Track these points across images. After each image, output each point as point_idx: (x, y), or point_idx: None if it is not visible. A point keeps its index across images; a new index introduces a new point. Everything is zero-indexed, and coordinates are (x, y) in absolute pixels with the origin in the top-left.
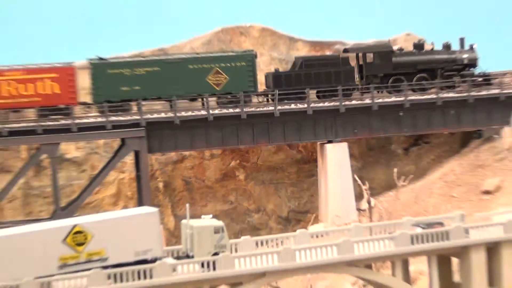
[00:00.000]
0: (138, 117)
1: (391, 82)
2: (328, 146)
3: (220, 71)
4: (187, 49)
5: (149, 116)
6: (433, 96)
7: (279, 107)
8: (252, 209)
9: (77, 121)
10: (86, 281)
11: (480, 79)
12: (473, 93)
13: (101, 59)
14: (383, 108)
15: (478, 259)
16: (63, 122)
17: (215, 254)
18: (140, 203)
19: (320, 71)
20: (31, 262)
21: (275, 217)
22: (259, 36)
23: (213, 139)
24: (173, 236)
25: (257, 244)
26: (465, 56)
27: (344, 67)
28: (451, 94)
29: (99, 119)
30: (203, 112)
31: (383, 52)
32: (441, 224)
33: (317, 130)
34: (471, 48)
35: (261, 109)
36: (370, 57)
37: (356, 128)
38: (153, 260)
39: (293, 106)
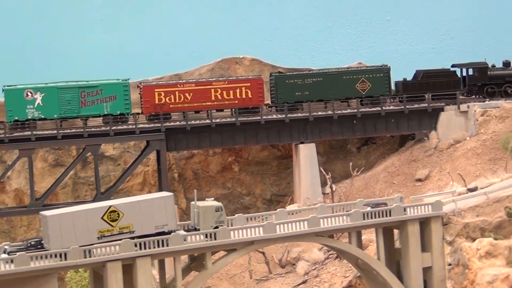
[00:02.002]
0: (159, 125)
1: (486, 90)
2: (301, 146)
3: (365, 80)
4: (196, 75)
5: (167, 124)
6: (378, 108)
7: (265, 117)
8: (244, 193)
9: (114, 127)
10: (118, 248)
11: None
12: (408, 106)
13: (280, 73)
14: (341, 117)
15: (413, 230)
16: (103, 128)
17: (216, 227)
18: (160, 189)
19: (436, 81)
20: (78, 234)
21: (261, 199)
22: (249, 65)
23: (215, 141)
24: (185, 213)
25: (247, 219)
26: None
27: (453, 78)
28: (391, 107)
29: (130, 126)
30: (208, 121)
31: (481, 67)
32: (385, 204)
33: (292, 134)
34: None
35: (250, 118)
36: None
37: (321, 132)
38: (169, 232)
39: (274, 116)
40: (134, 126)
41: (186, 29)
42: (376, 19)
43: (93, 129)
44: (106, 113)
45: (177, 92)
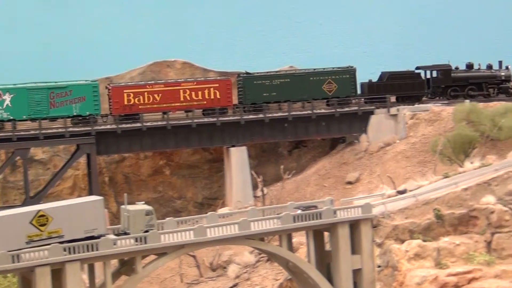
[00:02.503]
0: (89, 128)
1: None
2: (232, 149)
3: (332, 81)
4: (127, 78)
5: (97, 127)
6: (309, 111)
7: (196, 120)
8: (175, 196)
9: (43, 131)
10: (47, 253)
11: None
12: (338, 109)
13: (248, 73)
14: (272, 120)
15: (343, 233)
16: (32, 132)
17: (146, 231)
18: (90, 193)
19: (401, 82)
20: (6, 238)
21: (192, 203)
22: (180, 68)
23: (146, 144)
24: (115, 218)
25: (178, 223)
26: (502, 73)
27: (417, 80)
28: (322, 110)
29: (60, 130)
30: (138, 124)
31: (446, 70)
32: (315, 207)
33: (224, 137)
34: (507, 68)
35: (182, 122)
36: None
37: (252, 136)
38: (99, 236)
39: (205, 119)
40: (64, 130)
41: (117, 32)
42: (309, 22)
43: (22, 133)
44: (75, 114)
45: (146, 93)
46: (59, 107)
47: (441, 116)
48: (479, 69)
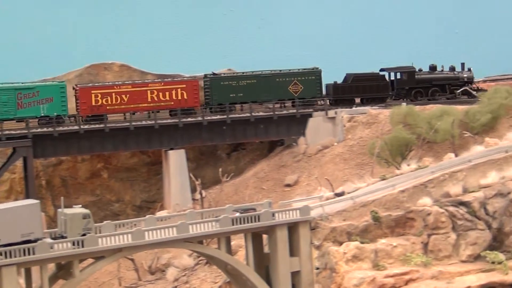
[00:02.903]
0: (26, 131)
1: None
2: (170, 152)
3: (297, 82)
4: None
5: (34, 130)
6: (248, 114)
7: (134, 123)
8: (114, 200)
9: None
10: None
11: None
12: (277, 112)
13: (215, 74)
14: (211, 123)
15: (282, 235)
16: None
17: (83, 235)
18: (27, 196)
19: (365, 84)
20: None
21: (131, 206)
22: (118, 70)
23: (83, 147)
24: (52, 221)
25: (116, 226)
26: (465, 75)
27: (382, 81)
28: (261, 113)
29: None
30: (76, 127)
31: (410, 71)
32: (254, 209)
33: (162, 140)
34: (469, 69)
35: (119, 124)
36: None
37: (191, 138)
38: (36, 240)
39: (144, 122)
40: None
41: (53, 34)
42: (247, 26)
43: None
44: (42, 114)
45: (113, 94)
46: (27, 108)
47: (379, 119)
48: (442, 71)
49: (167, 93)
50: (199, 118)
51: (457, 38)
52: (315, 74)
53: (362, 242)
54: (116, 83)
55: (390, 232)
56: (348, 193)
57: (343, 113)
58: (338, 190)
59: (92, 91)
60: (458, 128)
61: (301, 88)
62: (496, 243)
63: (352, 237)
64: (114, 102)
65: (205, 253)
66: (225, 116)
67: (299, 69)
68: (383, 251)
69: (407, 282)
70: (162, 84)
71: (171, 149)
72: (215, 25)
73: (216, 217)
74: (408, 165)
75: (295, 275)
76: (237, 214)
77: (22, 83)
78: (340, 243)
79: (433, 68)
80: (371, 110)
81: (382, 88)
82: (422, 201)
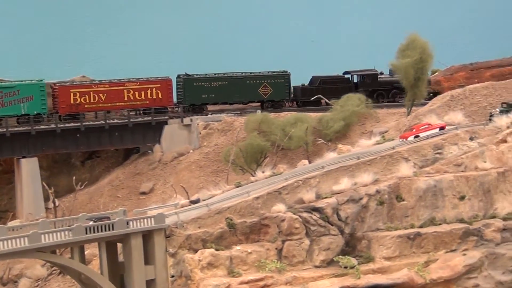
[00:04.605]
0: None
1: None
2: (22, 161)
3: (267, 85)
4: None
5: None
6: (102, 122)
7: None
8: None
9: None
10: None
11: None
12: (132, 120)
13: (188, 75)
14: (65, 130)
15: (136, 244)
16: None
17: None
18: None
19: (332, 86)
20: None
21: None
22: None
23: None
24: None
25: None
26: None
27: (347, 84)
28: (116, 120)
29: None
30: None
31: (373, 74)
32: (108, 218)
33: (14, 148)
34: None
35: None
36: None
37: (44, 146)
38: None
39: None
40: None
41: None
42: (99, 33)
43: None
44: (23, 113)
45: (91, 93)
46: (8, 106)
47: (234, 126)
48: None
49: (142, 92)
50: (52, 126)
51: None
52: (284, 77)
53: (217, 249)
54: (94, 82)
55: (245, 239)
56: (204, 200)
57: (198, 121)
58: (194, 198)
59: (71, 90)
60: (311, 135)
61: (270, 90)
62: (349, 248)
63: (207, 244)
64: (92, 100)
65: (58, 263)
66: (79, 124)
67: (268, 72)
68: (238, 257)
69: None
70: (138, 83)
71: (23, 157)
72: (69, 33)
73: (69, 226)
74: (263, 172)
75: (150, 283)
76: (91, 223)
77: (2, 81)
78: (195, 251)
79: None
80: (226, 117)
81: (347, 90)
82: (276, 207)
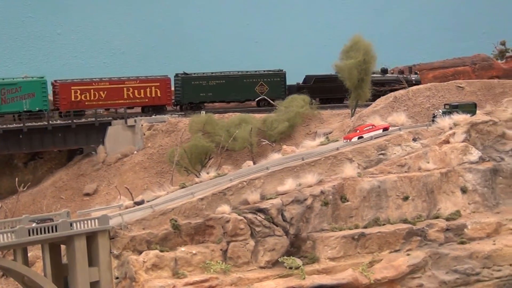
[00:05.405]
0: None
1: None
2: None
3: (264, 83)
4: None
5: None
6: (45, 122)
7: None
8: None
9: None
10: None
11: None
12: (75, 120)
13: (186, 74)
14: (7, 131)
15: (80, 245)
16: None
17: None
18: None
19: (326, 85)
20: None
21: None
22: None
23: None
24: None
25: None
26: (413, 78)
27: (341, 83)
28: (58, 121)
29: None
30: None
31: None
32: (51, 219)
33: None
34: (416, 73)
35: None
36: None
37: None
38: None
39: None
40: None
41: None
42: (46, 32)
43: None
44: (25, 109)
45: (92, 90)
46: (10, 103)
47: (178, 127)
48: (392, 73)
49: (142, 91)
50: None
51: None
52: (280, 76)
53: (161, 251)
54: (94, 79)
55: (190, 240)
56: (148, 201)
57: (142, 121)
58: (138, 199)
59: (72, 87)
60: (256, 136)
61: (266, 88)
62: (294, 249)
63: (151, 245)
64: (92, 98)
65: (1, 265)
66: (21, 125)
67: (265, 71)
68: (183, 259)
69: None
70: (138, 81)
71: None
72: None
73: (12, 228)
74: (208, 173)
75: (94, 285)
76: (34, 225)
77: (3, 79)
78: (140, 252)
79: (384, 71)
80: (171, 118)
81: (340, 89)
82: (221, 208)
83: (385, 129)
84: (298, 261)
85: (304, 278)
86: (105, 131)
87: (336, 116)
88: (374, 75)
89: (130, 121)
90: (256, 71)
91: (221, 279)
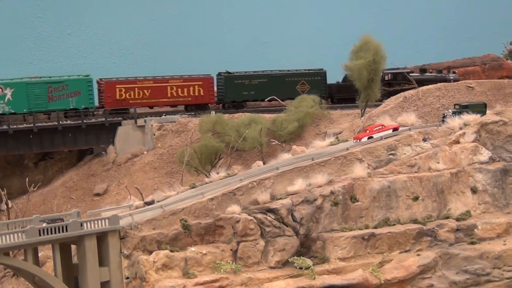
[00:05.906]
0: None
1: None
2: None
3: (305, 82)
4: None
5: None
6: (55, 123)
7: None
8: None
9: None
10: None
11: None
12: (85, 121)
13: (229, 73)
14: (17, 132)
15: (90, 245)
16: None
17: None
18: None
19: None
20: None
21: None
22: None
23: None
24: None
25: None
26: (451, 77)
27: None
28: (69, 121)
29: None
30: None
31: (403, 72)
32: (62, 219)
33: None
34: (454, 72)
35: None
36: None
37: None
38: None
39: None
40: None
41: None
42: (56, 32)
43: None
44: (71, 107)
45: (136, 89)
46: (57, 101)
47: (188, 127)
48: (431, 72)
49: (185, 89)
50: (5, 127)
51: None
52: (321, 74)
53: (172, 251)
54: (138, 78)
55: (200, 240)
56: (158, 201)
57: (152, 122)
58: (148, 199)
59: (117, 86)
60: (266, 136)
61: (307, 87)
62: (304, 249)
63: (162, 245)
64: (137, 96)
65: (11, 265)
66: (31, 125)
67: (306, 70)
68: (193, 259)
69: None
70: (181, 80)
71: None
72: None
73: (22, 228)
74: (217, 173)
75: (105, 285)
76: (44, 225)
77: (50, 77)
78: (150, 252)
79: (423, 70)
80: (181, 118)
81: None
82: (231, 208)
83: (395, 129)
84: (308, 261)
85: (314, 278)
86: (115, 131)
87: (346, 116)
88: (413, 74)
89: (140, 121)
90: (297, 70)
91: (231, 279)
